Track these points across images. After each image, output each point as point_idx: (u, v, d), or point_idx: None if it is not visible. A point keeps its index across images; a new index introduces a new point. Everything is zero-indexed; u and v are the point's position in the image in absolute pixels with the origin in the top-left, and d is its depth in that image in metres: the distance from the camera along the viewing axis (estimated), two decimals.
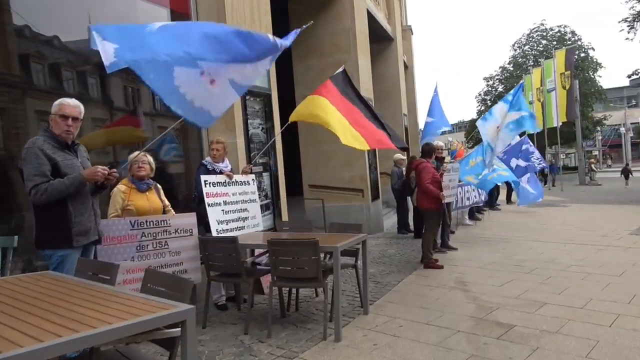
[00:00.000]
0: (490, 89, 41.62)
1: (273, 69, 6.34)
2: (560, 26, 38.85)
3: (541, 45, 38.54)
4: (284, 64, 10.73)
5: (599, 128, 41.54)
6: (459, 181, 9.99)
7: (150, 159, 4.12)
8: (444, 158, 8.02)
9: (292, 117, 5.45)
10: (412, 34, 20.40)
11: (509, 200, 15.62)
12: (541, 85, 27.62)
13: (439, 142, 8.03)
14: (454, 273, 6.25)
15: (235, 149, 5.50)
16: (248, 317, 4.18)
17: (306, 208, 10.66)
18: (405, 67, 18.99)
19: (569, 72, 26.24)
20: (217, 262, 4.28)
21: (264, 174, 6.12)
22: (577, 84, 28.00)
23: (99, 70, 5.77)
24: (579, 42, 37.05)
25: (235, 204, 4.94)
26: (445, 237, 8.02)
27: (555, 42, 36.77)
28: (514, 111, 8.18)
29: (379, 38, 14.46)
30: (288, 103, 10.96)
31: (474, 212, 11.93)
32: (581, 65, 35.33)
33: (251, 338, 4.01)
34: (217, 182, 4.78)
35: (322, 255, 4.09)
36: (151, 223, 3.99)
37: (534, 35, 39.61)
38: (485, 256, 7.30)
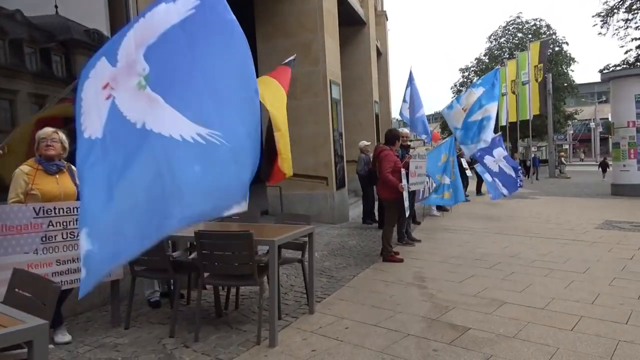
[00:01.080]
0: (465, 80, 41.63)
1: None
2: (536, 19, 39.01)
3: (517, 38, 38.64)
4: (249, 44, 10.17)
5: (570, 122, 42.09)
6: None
7: (63, 136, 3.57)
8: (409, 146, 7.64)
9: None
10: (387, 19, 19.96)
11: (479, 191, 15.47)
12: (516, 78, 27.63)
13: (404, 129, 7.65)
14: (413, 267, 5.90)
15: None
16: (174, 317, 3.71)
17: (268, 196, 10.18)
18: (379, 53, 18.57)
19: (541, 64, 26.28)
20: (142, 255, 3.77)
21: None
22: (551, 77, 28.11)
23: (64, 48, 5.26)
24: (554, 36, 37.28)
25: None
26: (408, 228, 7.68)
27: (530, 36, 36.87)
28: (478, 88, 7.95)
29: (351, 21, 13.95)
30: None
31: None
32: (555, 59, 35.58)
33: (176, 342, 3.55)
34: None
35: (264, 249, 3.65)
36: (61, 210, 3.46)
37: (510, 28, 39.67)
38: (448, 249, 6.98)
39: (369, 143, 10.24)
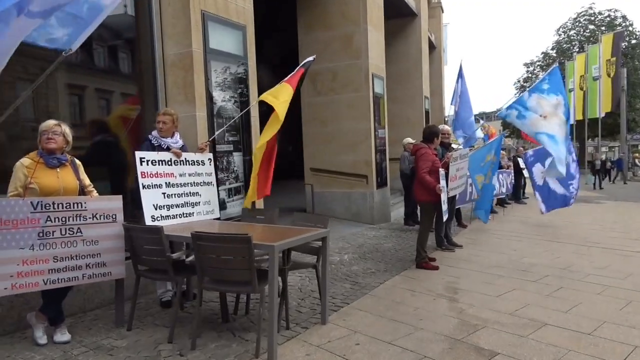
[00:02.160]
0: (530, 75, 39.45)
1: (252, 35, 5.57)
2: (611, 10, 36.25)
3: (588, 31, 36.07)
4: (290, 34, 9.96)
5: None
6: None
7: (66, 129, 3.46)
8: (450, 144, 7.10)
9: (263, 97, 4.74)
10: (443, 11, 19.10)
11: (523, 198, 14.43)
12: (585, 73, 25.74)
13: (444, 126, 7.11)
14: (448, 276, 5.41)
15: (194, 124, 4.80)
16: (173, 322, 3.51)
17: (306, 194, 9.94)
18: (433, 47, 17.81)
19: (614, 58, 24.28)
20: (144, 256, 3.62)
21: (234, 153, 5.41)
22: (625, 72, 25.94)
23: (130, 46, 5.22)
24: (630, 28, 34.43)
25: (182, 187, 4.25)
26: (449, 232, 7.15)
27: (603, 28, 34.27)
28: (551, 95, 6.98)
29: (401, 13, 13.40)
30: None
31: (493, 205, 10.92)
32: (631, 53, 32.87)
33: (172, 349, 3.35)
34: (159, 160, 4.10)
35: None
36: (60, 205, 3.34)
37: (581, 20, 37.10)
38: (491, 257, 6.41)
39: (414, 140, 9.70)
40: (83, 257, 3.44)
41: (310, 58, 4.99)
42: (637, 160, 29.71)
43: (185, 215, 4.22)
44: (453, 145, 11.45)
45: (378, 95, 9.59)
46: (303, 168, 10.00)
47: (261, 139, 4.80)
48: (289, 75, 4.84)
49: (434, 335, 3.61)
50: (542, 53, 39.06)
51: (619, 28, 31.64)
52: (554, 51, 37.80)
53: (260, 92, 5.86)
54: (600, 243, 7.44)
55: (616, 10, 36.11)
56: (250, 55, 5.53)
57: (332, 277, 5.34)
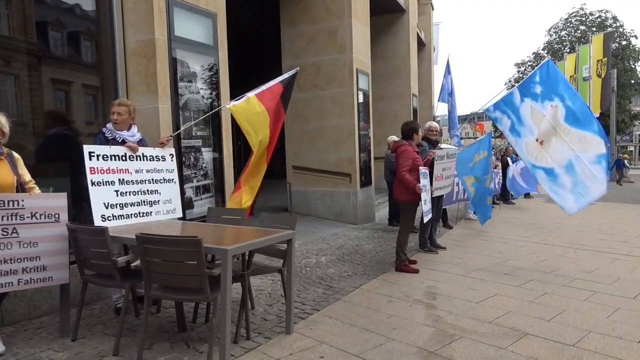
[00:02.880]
0: (521, 75, 39.37)
1: (223, 23, 5.25)
2: (601, 11, 36.24)
3: (579, 31, 36.02)
4: (274, 28, 9.65)
5: (636, 122, 38.89)
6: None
7: (3, 120, 3.14)
8: (437, 142, 6.83)
9: (233, 110, 4.43)
10: (433, 9, 18.86)
11: (527, 193, 14.23)
12: (575, 73, 25.62)
13: (432, 123, 6.83)
14: (428, 280, 5.14)
15: (156, 116, 4.47)
16: (119, 332, 3.19)
17: (292, 193, 9.63)
18: (422, 44, 17.57)
19: (605, 59, 24.16)
20: (90, 259, 3.30)
21: (203, 149, 5.09)
22: (615, 73, 25.86)
23: None
24: (621, 29, 34.44)
25: (138, 184, 3.94)
26: (433, 233, 6.88)
27: (594, 29, 34.24)
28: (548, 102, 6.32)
29: (389, 8, 13.12)
30: (275, 73, 9.90)
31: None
32: (621, 54, 32.88)
33: None
34: (112, 155, 3.77)
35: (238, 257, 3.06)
36: None
37: (572, 20, 37.06)
38: (475, 260, 6.15)
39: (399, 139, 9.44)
40: (19, 260, 3.12)
41: (292, 71, 4.65)
42: (626, 162, 29.70)
43: (141, 214, 3.91)
44: (442, 145, 11.22)
45: (363, 91, 9.30)
46: (286, 166, 9.70)
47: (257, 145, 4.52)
48: (263, 88, 4.49)
49: (405, 347, 3.33)
50: (533, 53, 39.06)
51: (609, 29, 31.64)
52: (545, 51, 37.74)
53: (234, 85, 5.56)
54: (587, 245, 7.21)
55: (607, 11, 36.14)
56: (222, 45, 5.21)
57: (305, 281, 5.05)
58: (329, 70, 8.96)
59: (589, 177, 5.53)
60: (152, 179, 4.07)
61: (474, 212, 10.19)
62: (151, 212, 4.00)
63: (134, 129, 4.09)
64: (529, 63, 38.86)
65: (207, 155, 5.14)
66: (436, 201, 6.46)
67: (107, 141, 3.88)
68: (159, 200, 4.09)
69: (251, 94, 4.39)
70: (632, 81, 34.72)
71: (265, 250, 3.80)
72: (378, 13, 13.09)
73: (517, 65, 39.95)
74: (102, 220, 3.57)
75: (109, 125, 3.95)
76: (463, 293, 4.67)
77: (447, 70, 9.29)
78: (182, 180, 4.73)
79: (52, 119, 4.79)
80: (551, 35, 38.18)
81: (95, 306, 4.18)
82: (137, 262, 3.06)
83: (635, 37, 35.18)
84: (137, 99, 4.51)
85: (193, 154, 4.96)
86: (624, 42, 34.25)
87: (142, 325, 3.02)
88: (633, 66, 34.78)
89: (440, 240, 7.37)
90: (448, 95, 9.50)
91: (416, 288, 4.84)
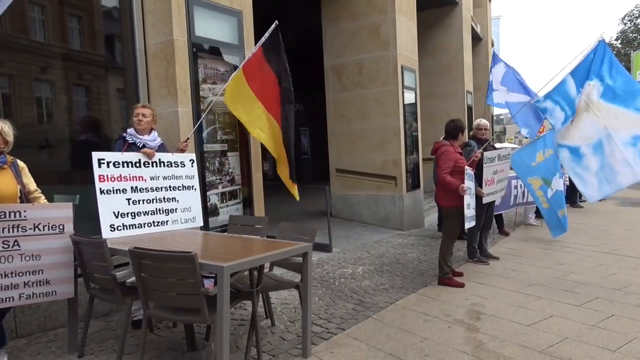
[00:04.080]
0: None
1: (249, 21, 5.00)
2: None
3: None
4: (314, 26, 9.37)
5: None
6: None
7: (5, 127, 3.03)
8: (487, 140, 6.23)
9: (227, 101, 4.21)
10: (490, 0, 17.85)
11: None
12: None
13: (481, 121, 6.24)
14: (473, 296, 4.61)
15: (176, 121, 4.29)
16: (120, 348, 2.98)
17: (333, 196, 9.29)
18: (479, 38, 16.66)
19: None
20: (93, 272, 3.12)
21: (229, 153, 4.86)
22: None
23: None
24: None
25: (153, 191, 3.75)
26: (484, 242, 6.28)
27: None
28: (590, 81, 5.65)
29: (440, 2, 12.47)
30: (317, 74, 9.65)
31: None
32: None
33: None
34: (124, 162, 3.61)
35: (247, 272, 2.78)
36: None
37: None
38: (531, 272, 5.51)
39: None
40: (21, 274, 2.99)
41: (272, 27, 4.25)
42: None
43: (156, 224, 3.72)
44: (498, 144, 10.41)
45: (409, 89, 8.79)
46: (329, 169, 9.38)
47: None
48: (249, 56, 4.21)
49: None
50: (607, 43, 36.22)
51: None
52: (619, 42, 35.00)
53: None
54: None
55: None
56: (248, 44, 4.96)
57: (337, 294, 4.68)
58: (372, 68, 8.54)
59: (619, 160, 4.94)
60: (170, 186, 3.88)
61: (535, 217, 9.39)
62: (167, 221, 3.80)
63: (155, 133, 3.94)
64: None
65: (233, 159, 4.91)
66: (486, 207, 5.87)
67: (127, 146, 3.74)
68: (176, 209, 3.88)
69: (239, 70, 4.16)
70: None
71: (283, 264, 3.48)
72: (427, 7, 12.50)
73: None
74: (111, 230, 3.41)
75: (130, 130, 3.83)
76: (513, 313, 4.11)
77: (493, 63, 8.51)
78: (205, 186, 4.52)
79: (84, 125, 4.78)
80: (625, 24, 35.32)
81: (113, 318, 4.05)
82: (133, 279, 2.83)
83: None
84: (158, 102, 4.35)
85: (218, 158, 4.74)
86: None
87: (141, 346, 2.78)
88: None
89: (494, 249, 6.74)
90: (499, 90, 8.65)
91: (458, 306, 4.34)
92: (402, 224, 8.53)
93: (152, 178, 3.76)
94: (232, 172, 4.91)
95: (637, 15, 34.69)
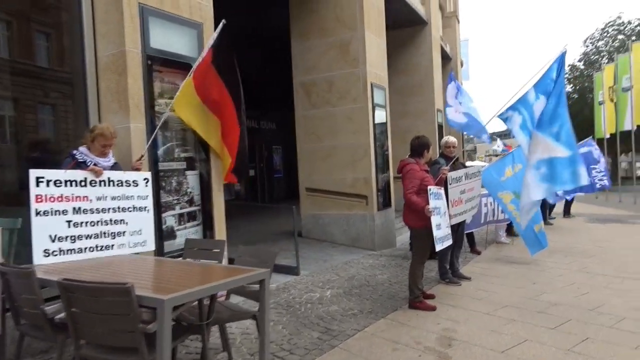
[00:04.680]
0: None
1: (211, 34, 4.77)
2: None
3: (617, 41, 34.40)
4: (282, 43, 9.24)
5: None
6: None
7: None
8: (455, 158, 6.13)
9: (177, 110, 4.00)
10: (458, 22, 18.19)
11: (567, 212, 13.15)
12: (614, 84, 24.25)
13: (449, 138, 6.14)
14: (445, 320, 4.41)
15: (127, 137, 4.00)
16: None
17: (303, 216, 9.05)
18: (448, 58, 16.89)
19: None
20: (23, 306, 2.78)
21: (188, 172, 4.58)
22: None
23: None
24: None
25: (98, 213, 3.44)
26: (455, 261, 6.13)
27: (634, 37, 32.65)
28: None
29: (409, 21, 12.57)
30: (289, 92, 9.48)
31: (513, 227, 9.78)
32: None
33: None
34: (67, 181, 3.30)
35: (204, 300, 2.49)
36: None
37: (609, 30, 35.51)
38: (504, 293, 5.36)
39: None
40: None
41: (219, 27, 4.04)
42: None
43: (99, 248, 3.40)
44: (470, 162, 10.38)
45: (379, 107, 8.70)
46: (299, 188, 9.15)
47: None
48: (199, 60, 4.00)
49: None
50: (569, 65, 37.58)
51: None
52: (582, 63, 36.25)
53: None
54: (636, 274, 6.28)
55: None
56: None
57: (302, 321, 4.41)
58: (342, 85, 8.43)
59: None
60: (119, 207, 3.58)
61: (506, 235, 9.35)
62: (113, 246, 3.49)
63: (110, 153, 3.67)
64: (565, 76, 37.37)
65: (192, 178, 4.63)
66: (456, 226, 5.72)
67: (75, 164, 3.45)
68: (124, 232, 3.58)
69: (189, 75, 3.93)
70: None
71: (240, 292, 3.21)
72: (398, 26, 12.59)
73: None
74: (45, 256, 3.08)
75: (82, 148, 3.55)
76: (485, 338, 3.92)
77: (449, 81, 8.60)
78: (160, 208, 4.22)
79: (33, 143, 4.47)
80: (587, 46, 36.67)
81: (53, 355, 3.67)
82: (62, 315, 2.52)
83: None
84: (109, 118, 4.07)
85: (175, 177, 4.46)
86: None
87: None
88: None
89: (466, 268, 6.60)
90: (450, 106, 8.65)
91: (429, 331, 4.12)
92: (374, 244, 8.33)
93: (98, 198, 3.45)
94: (190, 192, 4.62)
95: (598, 38, 36.08)
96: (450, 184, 5.36)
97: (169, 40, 4.33)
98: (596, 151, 13.61)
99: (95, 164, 3.53)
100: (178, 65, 4.41)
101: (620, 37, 34.43)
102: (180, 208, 4.51)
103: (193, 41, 4.58)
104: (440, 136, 13.31)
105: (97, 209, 3.43)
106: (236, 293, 3.38)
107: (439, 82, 13.67)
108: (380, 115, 8.83)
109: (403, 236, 9.52)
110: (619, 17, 35.20)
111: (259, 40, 11.71)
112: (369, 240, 8.35)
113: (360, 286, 5.75)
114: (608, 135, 22.83)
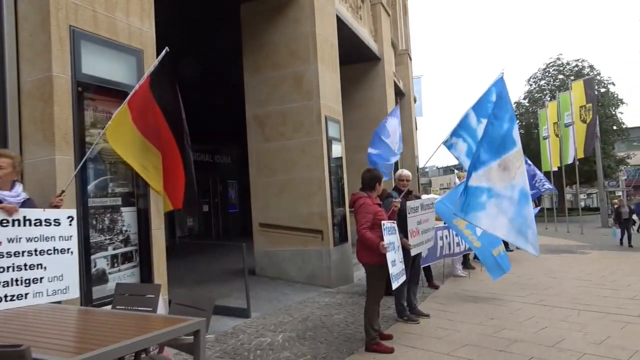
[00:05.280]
0: None
1: (152, 61, 4.49)
2: (578, 60, 37.07)
3: (558, 80, 36.61)
4: (235, 76, 9.05)
5: (622, 168, 38.89)
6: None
7: None
8: (410, 192, 6.01)
9: (110, 141, 3.67)
10: (411, 59, 18.72)
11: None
12: (558, 120, 25.53)
13: (403, 172, 6.03)
14: None
15: (52, 170, 3.60)
16: None
17: (255, 252, 8.66)
18: (402, 94, 17.25)
19: (590, 104, 24.10)
20: None
21: (123, 208, 4.19)
22: (597, 119, 25.79)
23: None
24: (599, 77, 35.06)
25: (10, 257, 3.00)
26: (413, 298, 5.91)
27: (573, 77, 34.86)
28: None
29: (363, 57, 12.77)
30: (241, 124, 9.24)
31: (468, 260, 9.76)
32: (601, 101, 33.20)
33: None
34: None
35: None
36: None
37: (550, 70, 37.82)
38: (463, 331, 5.16)
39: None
40: None
41: (162, 53, 3.78)
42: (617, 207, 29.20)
43: (10, 298, 2.95)
44: (426, 196, 10.38)
45: (334, 140, 8.58)
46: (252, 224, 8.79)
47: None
48: (136, 88, 3.70)
49: None
50: (515, 103, 39.52)
51: (587, 76, 32.09)
52: (527, 100, 38.19)
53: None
54: (591, 305, 6.27)
55: (583, 60, 36.96)
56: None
57: None
58: (296, 118, 8.27)
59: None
60: (36, 250, 3.15)
61: (463, 268, 9.28)
62: (27, 294, 3.04)
63: (18, 187, 3.23)
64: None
65: (128, 215, 4.23)
66: (411, 261, 5.54)
67: None
68: (41, 278, 3.14)
69: (124, 103, 3.63)
70: (614, 127, 34.95)
71: (173, 345, 2.82)
72: (352, 62, 12.74)
73: None
74: None
75: None
76: None
77: (392, 114, 8.83)
78: (89, 249, 3.80)
79: None
80: (531, 85, 38.79)
81: None
82: None
83: (613, 84, 35.86)
84: (32, 150, 3.67)
85: (109, 215, 4.05)
86: (602, 90, 34.73)
87: None
88: (614, 112, 35.13)
89: (424, 305, 6.40)
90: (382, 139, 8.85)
91: None
92: (330, 281, 8.02)
93: (10, 240, 3.02)
94: (126, 231, 4.21)
95: (540, 77, 38.29)
96: (409, 214, 5.22)
97: (104, 66, 4.02)
98: (529, 167, 15.13)
99: (2, 201, 3.09)
100: (114, 93, 4.08)
101: (560, 76, 36.66)
102: (114, 248, 4.09)
103: (132, 68, 4.27)
104: (396, 170, 13.36)
105: (7, 253, 2.99)
106: (169, 345, 2.99)
107: None
108: (336, 148, 8.70)
109: (361, 271, 9.23)
110: (559, 59, 37.59)
111: (212, 73, 11.49)
112: (325, 277, 8.04)
113: (315, 328, 5.40)
114: (555, 168, 23.83)
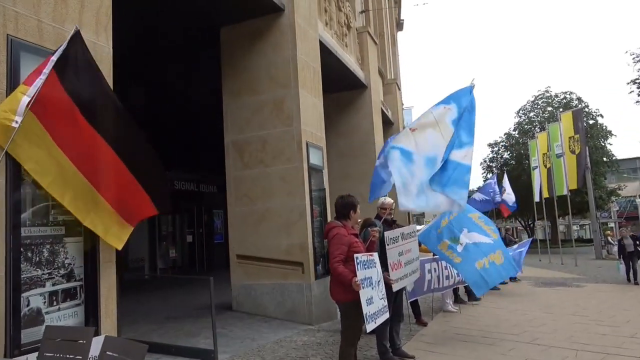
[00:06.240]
0: (495, 155, 39.75)
1: (108, 80, 4.15)
2: (566, 92, 37.46)
3: (546, 112, 36.88)
4: (217, 99, 8.73)
5: (614, 198, 38.80)
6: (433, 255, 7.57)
7: None
8: (394, 221, 5.60)
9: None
10: (399, 89, 18.64)
11: (513, 277, 12.84)
12: (548, 151, 25.49)
13: (385, 199, 5.65)
14: None
15: None
16: None
17: (233, 287, 8.15)
18: (390, 122, 17.05)
19: (578, 135, 24.11)
20: None
21: (66, 239, 3.73)
22: (587, 150, 25.78)
23: None
24: (587, 109, 35.37)
25: None
26: (395, 337, 5.42)
27: (561, 109, 35.14)
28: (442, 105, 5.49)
29: (350, 85, 12.56)
30: (220, 150, 8.87)
31: (458, 294, 9.28)
32: (590, 133, 33.38)
33: None
34: None
35: None
36: None
37: (539, 102, 38.14)
38: None
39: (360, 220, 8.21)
40: None
41: (72, 31, 3.39)
42: (609, 238, 28.89)
43: None
44: (417, 227, 9.98)
45: (315, 167, 8.21)
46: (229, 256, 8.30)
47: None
48: (35, 93, 3.25)
49: None
50: (505, 134, 39.74)
51: (576, 108, 32.35)
52: (516, 132, 38.35)
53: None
54: (590, 344, 5.81)
55: (571, 93, 37.34)
56: None
57: None
58: (276, 144, 7.92)
59: (443, 184, 4.97)
60: None
61: (454, 303, 8.78)
62: None
63: None
64: (501, 143, 39.36)
65: (73, 247, 3.77)
66: (393, 296, 5.08)
67: None
68: None
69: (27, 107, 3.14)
70: (604, 159, 35.03)
71: None
72: (339, 89, 12.56)
73: (491, 145, 40.43)
74: None
75: None
76: None
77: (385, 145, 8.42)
78: (20, 285, 3.33)
79: None
80: (520, 117, 39.02)
81: None
82: None
83: (601, 115, 36.14)
84: None
85: (48, 246, 3.60)
86: (591, 121, 34.98)
87: None
88: (603, 144, 35.28)
89: (409, 345, 5.90)
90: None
91: None
92: (311, 317, 7.49)
93: None
94: (69, 264, 3.74)
95: (529, 109, 38.56)
96: (387, 245, 4.82)
97: None
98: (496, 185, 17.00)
99: None
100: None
101: (549, 108, 36.94)
102: (53, 284, 3.61)
103: None
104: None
105: None
106: None
107: (381, 145, 13.55)
108: (318, 177, 8.32)
109: None
110: (547, 91, 37.97)
111: (195, 101, 11.23)
112: (305, 313, 7.51)
113: None
114: (538, 199, 23.69)
